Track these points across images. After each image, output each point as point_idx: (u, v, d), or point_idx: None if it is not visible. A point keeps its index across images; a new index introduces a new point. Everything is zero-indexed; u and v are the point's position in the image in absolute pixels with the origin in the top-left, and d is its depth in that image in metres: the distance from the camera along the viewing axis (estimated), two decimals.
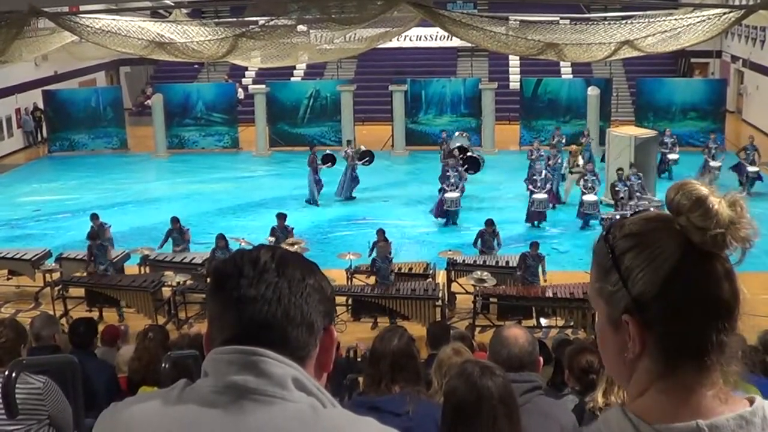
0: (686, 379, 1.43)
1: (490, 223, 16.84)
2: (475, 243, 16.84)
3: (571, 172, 22.16)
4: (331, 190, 23.33)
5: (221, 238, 15.81)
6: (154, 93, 31.98)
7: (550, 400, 4.08)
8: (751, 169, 22.54)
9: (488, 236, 16.64)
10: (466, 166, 22.80)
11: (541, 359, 4.08)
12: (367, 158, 24.38)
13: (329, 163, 24.16)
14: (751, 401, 1.44)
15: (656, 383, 1.44)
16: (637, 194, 19.44)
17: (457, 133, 26.37)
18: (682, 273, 1.41)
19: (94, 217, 17.14)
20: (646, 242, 1.44)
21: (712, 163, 23.00)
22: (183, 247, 17.18)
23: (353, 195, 23.35)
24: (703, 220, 1.40)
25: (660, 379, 1.44)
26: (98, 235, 15.92)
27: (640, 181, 19.93)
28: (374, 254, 15.22)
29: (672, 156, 24.79)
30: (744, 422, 1.39)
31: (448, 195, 20.53)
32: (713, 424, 1.39)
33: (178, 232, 17.18)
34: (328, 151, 25.31)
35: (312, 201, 22.84)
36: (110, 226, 17.19)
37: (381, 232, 15.80)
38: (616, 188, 19.68)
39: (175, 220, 17.32)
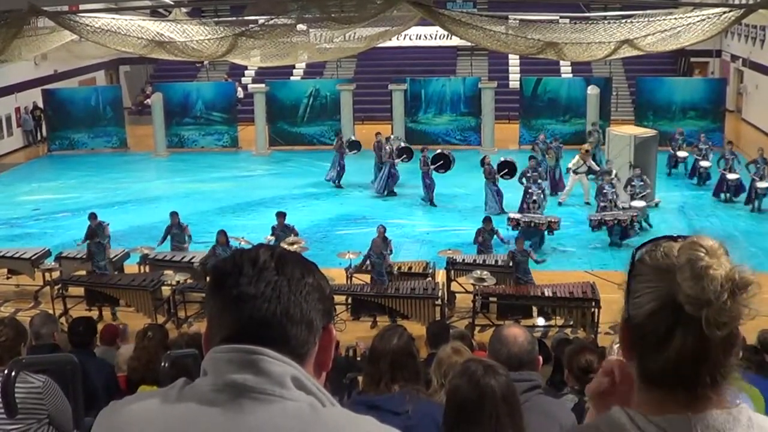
0: (671, 398, 1.50)
1: (487, 220, 16.83)
2: (475, 240, 16.84)
3: (575, 172, 21.95)
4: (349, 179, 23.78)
5: (222, 234, 15.79)
6: (154, 92, 31.97)
7: (549, 399, 4.10)
8: (760, 185, 21.10)
9: (486, 234, 16.64)
10: (438, 165, 22.79)
11: (541, 358, 4.10)
12: (405, 156, 24.30)
13: (356, 150, 24.51)
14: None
15: (646, 395, 1.52)
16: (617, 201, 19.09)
17: (392, 137, 25.55)
18: (661, 319, 1.46)
19: (93, 216, 17.12)
20: (651, 276, 1.50)
21: (730, 176, 21.90)
22: (185, 244, 17.15)
23: (394, 190, 23.49)
24: (691, 288, 1.43)
25: (648, 393, 1.52)
26: (96, 233, 15.91)
27: (613, 190, 19.10)
28: (369, 249, 15.21)
29: (704, 164, 23.86)
30: (731, 418, 1.47)
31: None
32: (703, 416, 1.46)
33: (177, 228, 17.16)
34: (353, 138, 25.82)
35: (335, 182, 23.82)
36: (108, 224, 17.19)
37: (381, 229, 15.76)
38: (530, 191, 19.40)
39: (174, 215, 17.28)
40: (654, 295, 1.47)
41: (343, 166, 24.20)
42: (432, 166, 22.58)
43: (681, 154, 25.01)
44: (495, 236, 16.75)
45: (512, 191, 20.92)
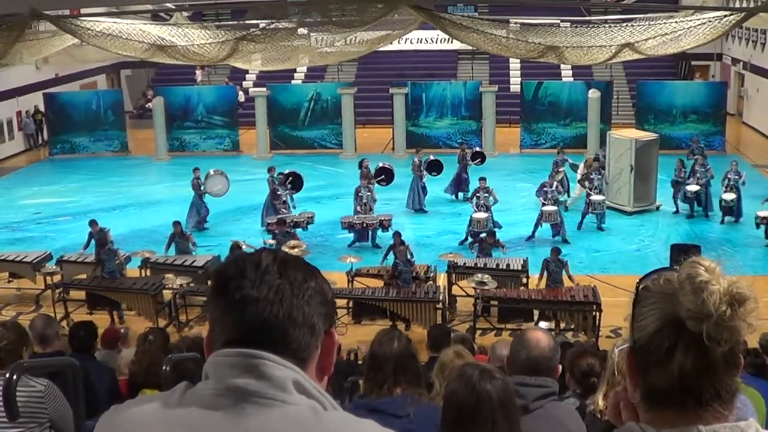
0: (680, 414, 1.53)
1: (491, 234, 16.89)
2: (468, 242, 16.87)
3: (581, 182, 21.76)
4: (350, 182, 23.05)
5: (236, 247, 15.75)
6: (155, 96, 31.98)
7: (563, 406, 4.03)
8: (726, 196, 20.35)
9: (487, 245, 16.65)
10: (381, 177, 22.10)
11: (560, 367, 4.00)
12: (434, 170, 22.95)
13: (435, 172, 23.14)
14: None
15: (654, 415, 1.56)
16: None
17: (212, 171, 22.25)
18: (664, 337, 1.51)
19: (93, 223, 16.73)
20: (654, 300, 1.55)
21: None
22: (189, 252, 17.18)
23: (424, 208, 22.32)
24: (691, 302, 1.48)
25: (656, 412, 1.56)
26: (105, 242, 15.87)
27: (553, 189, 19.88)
28: (395, 258, 15.16)
29: (728, 196, 20.54)
30: (740, 431, 1.51)
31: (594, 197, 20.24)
32: (713, 429, 1.49)
33: (179, 237, 17.17)
34: (432, 157, 23.72)
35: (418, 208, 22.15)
36: (109, 230, 17.10)
37: (398, 235, 15.72)
38: (360, 194, 19.76)
39: (176, 224, 17.29)
40: (657, 315, 1.53)
41: (424, 188, 22.56)
42: (376, 179, 21.66)
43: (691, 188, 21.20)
44: (496, 247, 16.76)
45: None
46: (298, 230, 19.02)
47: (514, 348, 3.97)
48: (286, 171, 21.93)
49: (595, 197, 20.26)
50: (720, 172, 20.98)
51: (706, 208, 21.11)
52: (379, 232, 19.19)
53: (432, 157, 23.27)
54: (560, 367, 4.01)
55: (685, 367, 1.48)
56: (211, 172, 22.02)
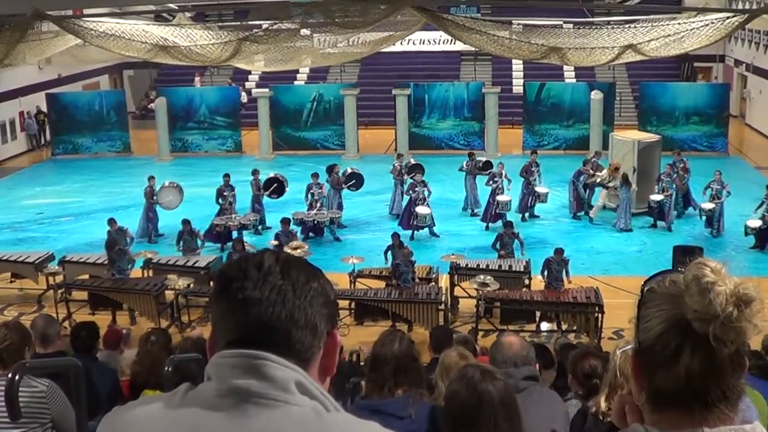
0: (687, 416, 1.53)
1: (509, 225, 16.91)
2: (494, 245, 16.82)
3: (605, 187, 21.55)
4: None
5: (239, 242, 15.79)
6: (158, 96, 31.98)
7: (547, 390, 4.50)
8: (705, 206, 19.81)
9: (508, 238, 16.67)
10: (351, 183, 21.82)
11: (537, 366, 4.37)
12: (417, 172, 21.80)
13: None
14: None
15: (660, 416, 1.56)
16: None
17: (167, 183, 21.75)
18: (670, 338, 1.51)
19: (112, 222, 16.61)
20: (659, 301, 1.55)
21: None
22: (198, 249, 17.24)
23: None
24: (698, 303, 1.48)
25: (661, 414, 1.56)
26: (116, 242, 15.85)
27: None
28: (397, 259, 15.14)
29: (707, 205, 19.86)
30: None
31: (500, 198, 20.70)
32: (718, 431, 1.49)
33: (188, 234, 17.22)
34: (412, 161, 23.32)
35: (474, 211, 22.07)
36: (128, 228, 16.98)
37: (396, 236, 15.70)
38: (311, 190, 20.36)
39: (185, 222, 17.35)
40: (663, 317, 1.52)
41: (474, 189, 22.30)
42: (265, 192, 21.45)
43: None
44: (515, 240, 16.77)
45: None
46: (246, 233, 19.55)
47: (492, 353, 4.38)
48: (270, 174, 21.98)
49: (538, 189, 21.21)
50: (725, 178, 20.62)
51: (666, 219, 20.48)
52: (335, 228, 20.14)
53: (413, 161, 22.86)
54: (537, 366, 4.39)
55: (692, 368, 1.48)
56: (166, 183, 21.66)
